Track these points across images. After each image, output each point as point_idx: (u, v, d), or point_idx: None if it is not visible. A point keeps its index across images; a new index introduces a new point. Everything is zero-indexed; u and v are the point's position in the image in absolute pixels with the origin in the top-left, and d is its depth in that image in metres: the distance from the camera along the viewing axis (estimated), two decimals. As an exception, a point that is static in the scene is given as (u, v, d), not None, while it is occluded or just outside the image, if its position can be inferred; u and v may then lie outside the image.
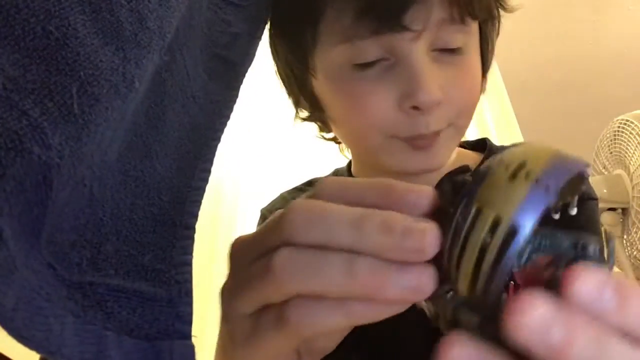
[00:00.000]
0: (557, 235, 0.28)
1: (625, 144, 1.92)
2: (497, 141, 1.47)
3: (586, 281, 0.21)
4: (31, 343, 0.25)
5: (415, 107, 0.45)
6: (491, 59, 0.57)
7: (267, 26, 0.55)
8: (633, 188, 1.89)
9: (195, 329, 0.37)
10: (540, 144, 0.29)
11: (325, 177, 0.54)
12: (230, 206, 1.46)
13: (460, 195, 0.28)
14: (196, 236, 0.42)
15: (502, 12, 0.58)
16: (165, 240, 0.37)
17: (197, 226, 0.43)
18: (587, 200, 0.56)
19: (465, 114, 0.50)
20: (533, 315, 0.20)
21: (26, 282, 0.26)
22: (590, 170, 0.30)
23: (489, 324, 0.25)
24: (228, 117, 0.54)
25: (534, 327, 0.20)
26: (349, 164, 0.66)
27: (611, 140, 2.01)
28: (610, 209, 2.00)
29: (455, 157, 0.57)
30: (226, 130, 0.52)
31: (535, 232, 0.26)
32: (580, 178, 0.28)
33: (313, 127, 0.69)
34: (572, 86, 2.70)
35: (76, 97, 0.31)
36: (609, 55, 2.56)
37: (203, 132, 0.48)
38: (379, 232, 0.26)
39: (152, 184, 0.38)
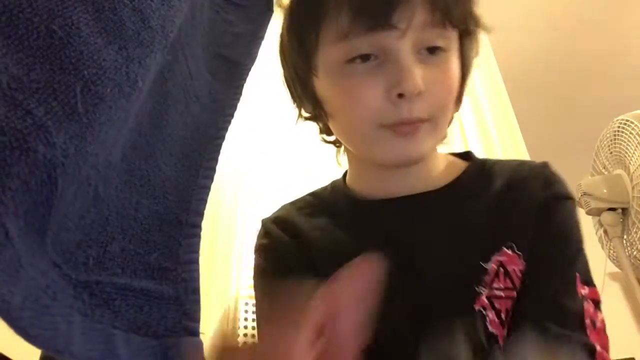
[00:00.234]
0: None
1: (625, 144, 1.92)
2: (497, 141, 1.47)
3: None
4: (38, 341, 0.25)
5: (400, 95, 0.51)
6: (468, 73, 0.61)
7: (278, 35, 0.64)
8: (633, 188, 1.90)
9: (198, 328, 0.38)
10: None
11: None
12: (230, 206, 1.46)
13: None
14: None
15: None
16: (172, 239, 0.37)
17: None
18: (563, 199, 0.58)
19: (443, 109, 0.55)
20: None
21: (33, 281, 0.26)
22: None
23: None
24: (231, 116, 0.54)
25: None
26: (344, 174, 0.69)
27: (611, 140, 2.01)
28: (610, 209, 2.00)
29: (445, 165, 0.64)
30: (230, 128, 0.53)
31: None
32: None
33: (313, 127, 0.72)
34: (572, 86, 2.70)
35: (80, 96, 0.31)
36: (609, 55, 2.56)
37: (207, 131, 0.48)
38: None
39: (157, 183, 0.38)
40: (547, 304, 0.50)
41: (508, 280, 0.50)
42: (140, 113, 0.41)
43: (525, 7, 2.30)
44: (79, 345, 0.27)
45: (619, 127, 1.95)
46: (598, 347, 0.47)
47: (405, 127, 0.53)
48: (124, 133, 0.37)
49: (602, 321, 0.51)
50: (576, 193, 2.11)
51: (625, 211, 1.98)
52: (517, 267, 0.52)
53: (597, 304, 0.52)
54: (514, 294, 0.50)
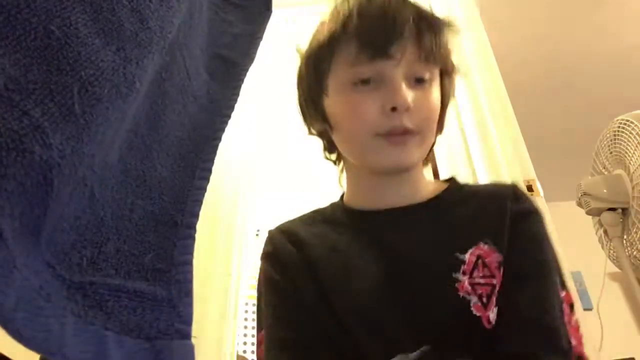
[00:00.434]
0: None
1: (625, 144, 1.92)
2: (497, 141, 1.47)
3: None
4: (31, 343, 0.25)
5: (393, 109, 0.63)
6: (447, 104, 0.74)
7: (297, 61, 0.76)
8: (633, 188, 1.89)
9: (195, 329, 0.37)
10: None
11: None
12: (230, 206, 1.46)
13: None
14: (196, 236, 0.42)
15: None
16: (166, 240, 0.37)
17: (197, 226, 0.43)
18: (533, 213, 0.67)
19: (427, 125, 0.67)
20: None
21: (26, 282, 0.26)
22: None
23: None
24: (229, 117, 0.54)
25: None
26: (342, 196, 0.80)
27: (611, 140, 2.01)
28: (610, 209, 2.00)
29: (430, 185, 0.76)
30: (227, 129, 0.53)
31: None
32: None
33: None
34: (572, 86, 2.70)
35: (77, 97, 0.31)
36: (609, 55, 2.56)
37: (204, 132, 0.48)
38: None
39: (153, 183, 0.38)
40: (532, 305, 0.58)
41: (486, 270, 0.60)
42: (138, 114, 0.40)
43: (526, 7, 2.29)
44: (72, 347, 0.27)
45: (619, 127, 1.94)
46: (574, 342, 0.56)
47: (396, 138, 0.64)
48: (120, 134, 0.37)
49: (576, 321, 0.60)
50: (576, 193, 2.11)
51: (625, 211, 1.98)
52: (494, 258, 0.61)
53: (571, 306, 0.61)
54: (493, 280, 0.59)
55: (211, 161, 0.45)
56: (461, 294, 0.58)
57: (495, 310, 0.57)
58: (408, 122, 0.63)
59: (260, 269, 0.73)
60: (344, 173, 0.79)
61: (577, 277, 2.85)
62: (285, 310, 0.65)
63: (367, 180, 0.72)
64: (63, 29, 0.32)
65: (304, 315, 0.63)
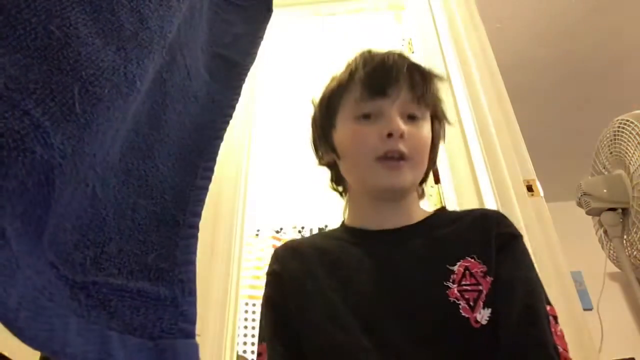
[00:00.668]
0: None
1: (625, 144, 1.92)
2: (497, 141, 1.47)
3: None
4: (34, 342, 0.25)
5: (389, 135, 0.75)
6: (437, 145, 0.86)
7: (312, 105, 0.91)
8: (633, 188, 1.89)
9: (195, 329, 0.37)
10: None
11: None
12: (230, 206, 1.46)
13: None
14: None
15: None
16: (169, 240, 0.36)
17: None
18: (518, 237, 0.75)
19: (418, 153, 0.78)
20: None
21: (29, 282, 0.26)
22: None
23: None
24: (230, 116, 0.54)
25: None
26: (342, 222, 0.90)
27: (611, 140, 2.01)
28: (610, 209, 2.00)
29: (422, 211, 0.86)
30: (228, 129, 0.53)
31: None
32: None
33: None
34: (572, 86, 2.70)
35: (78, 97, 0.31)
36: (609, 55, 2.56)
37: (205, 132, 0.48)
38: None
39: (154, 183, 0.38)
40: (523, 313, 0.66)
41: (473, 279, 0.69)
42: (138, 113, 0.40)
43: (526, 8, 2.30)
44: (75, 346, 0.27)
45: (619, 127, 1.95)
46: (561, 349, 0.64)
47: (391, 163, 0.76)
48: (121, 134, 0.37)
49: (561, 331, 0.67)
50: (576, 193, 2.11)
51: (625, 211, 1.98)
52: (479, 269, 0.70)
53: (555, 318, 0.68)
54: (479, 287, 0.68)
55: (213, 161, 0.45)
56: (451, 299, 0.67)
57: (482, 312, 0.66)
58: (402, 147, 0.75)
59: (265, 286, 0.81)
60: (347, 204, 0.91)
61: (577, 277, 2.85)
62: (284, 328, 0.73)
63: (368, 205, 0.84)
64: (63, 29, 0.32)
65: (305, 330, 0.71)
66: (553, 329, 0.65)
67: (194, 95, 0.50)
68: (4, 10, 0.29)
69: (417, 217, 0.82)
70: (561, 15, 2.33)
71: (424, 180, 0.88)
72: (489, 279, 0.68)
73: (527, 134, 1.48)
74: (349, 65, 0.85)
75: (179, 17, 0.47)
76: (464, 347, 0.64)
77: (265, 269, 0.85)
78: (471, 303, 0.66)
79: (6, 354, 0.70)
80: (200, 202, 0.41)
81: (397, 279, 0.72)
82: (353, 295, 0.71)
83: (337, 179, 0.91)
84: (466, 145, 1.47)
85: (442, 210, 0.89)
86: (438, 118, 0.86)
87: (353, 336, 0.67)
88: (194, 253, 0.37)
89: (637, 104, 1.99)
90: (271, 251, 0.94)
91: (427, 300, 0.68)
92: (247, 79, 0.62)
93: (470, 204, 1.33)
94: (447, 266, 0.70)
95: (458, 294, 0.67)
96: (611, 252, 2.08)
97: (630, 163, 1.90)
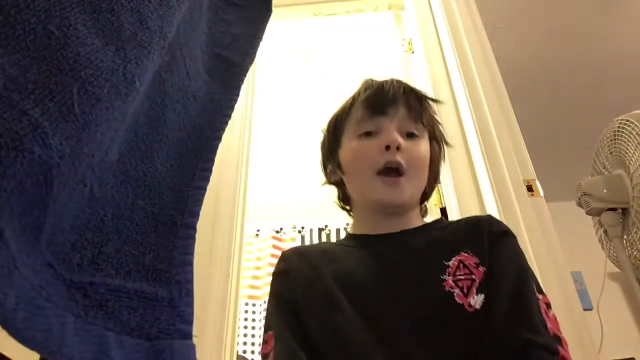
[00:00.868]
0: None
1: (625, 144, 1.92)
2: (497, 141, 1.47)
3: None
4: (31, 343, 0.25)
5: (387, 147, 0.82)
6: (435, 164, 0.92)
7: (324, 130, 0.99)
8: (633, 188, 1.89)
9: (195, 329, 0.37)
10: None
11: None
12: (230, 206, 1.46)
13: None
14: (196, 236, 0.42)
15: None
16: (167, 240, 0.36)
17: (197, 226, 0.43)
18: (510, 234, 0.79)
19: (416, 167, 0.85)
20: None
21: (27, 282, 0.26)
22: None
23: None
24: (229, 117, 0.54)
25: None
26: (347, 233, 0.97)
27: (611, 140, 2.01)
28: (610, 209, 2.00)
29: (420, 220, 0.91)
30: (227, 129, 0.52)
31: None
32: None
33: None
34: (572, 86, 2.70)
35: (77, 97, 0.31)
36: (609, 55, 2.56)
37: (204, 132, 0.48)
38: None
39: (153, 183, 0.38)
40: (517, 299, 0.70)
41: (466, 269, 0.74)
42: (137, 113, 0.40)
43: (526, 8, 2.29)
44: (72, 346, 0.27)
45: (619, 127, 1.95)
46: (553, 328, 0.67)
47: (390, 179, 0.82)
48: (120, 134, 0.37)
49: (553, 315, 0.71)
50: (576, 193, 2.11)
51: (625, 211, 1.98)
52: (472, 261, 0.75)
53: (548, 305, 0.72)
54: (472, 276, 0.73)
55: (211, 161, 0.45)
56: (447, 289, 0.72)
57: (475, 297, 0.70)
58: (399, 158, 0.82)
59: (272, 283, 0.86)
60: (353, 218, 0.98)
61: (577, 277, 2.84)
62: (291, 321, 0.77)
63: (370, 216, 0.90)
64: (62, 29, 0.32)
65: (310, 323, 0.74)
66: (545, 313, 0.69)
67: (193, 96, 0.50)
68: (3, 10, 0.29)
69: (416, 225, 0.88)
70: (561, 15, 2.33)
71: (426, 197, 0.94)
72: (481, 268, 0.73)
73: (527, 134, 1.48)
74: (352, 93, 0.94)
75: (178, 17, 0.47)
76: (460, 331, 0.68)
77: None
78: (465, 290, 0.72)
79: (6, 354, 0.70)
80: (199, 202, 0.41)
81: (394, 273, 0.77)
82: (352, 287, 0.76)
83: (344, 197, 0.99)
84: (466, 145, 1.47)
85: (438, 219, 0.96)
86: (437, 139, 0.93)
87: (350, 319, 0.71)
88: (192, 254, 0.37)
89: (637, 104, 1.99)
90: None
91: (424, 293, 0.73)
92: (246, 79, 0.62)
93: (470, 203, 1.33)
94: (443, 261, 0.75)
95: (452, 284, 0.72)
96: (611, 252, 2.08)
97: (630, 163, 1.89)
